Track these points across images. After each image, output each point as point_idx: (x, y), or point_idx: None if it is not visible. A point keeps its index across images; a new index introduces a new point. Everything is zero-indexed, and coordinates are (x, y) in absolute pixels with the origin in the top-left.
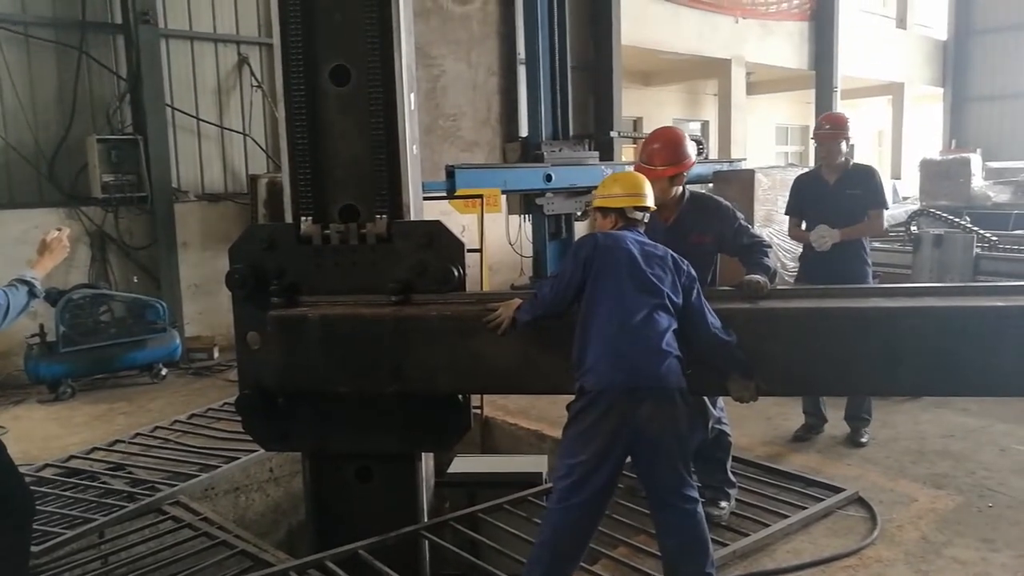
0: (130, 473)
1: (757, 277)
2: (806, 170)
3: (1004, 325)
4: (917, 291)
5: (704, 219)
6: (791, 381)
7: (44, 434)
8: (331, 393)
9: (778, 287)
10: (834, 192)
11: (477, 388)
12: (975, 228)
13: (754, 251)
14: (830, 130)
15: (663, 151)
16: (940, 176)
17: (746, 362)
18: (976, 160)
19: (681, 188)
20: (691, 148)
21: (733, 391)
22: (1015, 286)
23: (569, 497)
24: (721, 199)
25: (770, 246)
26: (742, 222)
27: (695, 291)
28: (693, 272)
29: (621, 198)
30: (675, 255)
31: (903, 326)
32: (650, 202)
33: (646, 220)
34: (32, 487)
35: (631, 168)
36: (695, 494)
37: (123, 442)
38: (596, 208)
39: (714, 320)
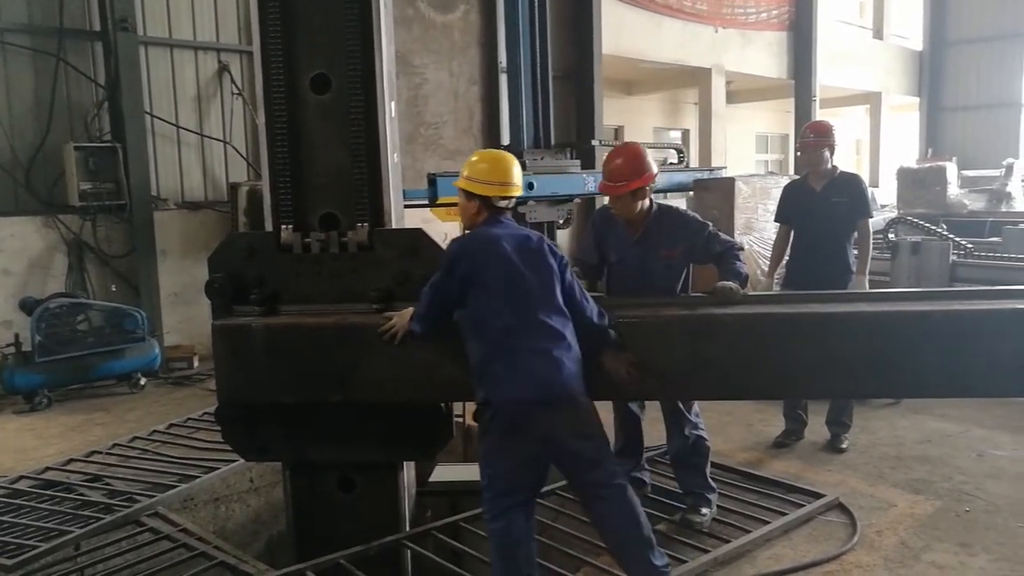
0: (107, 484)
1: (730, 284)
2: (795, 178)
3: (928, 328)
4: (853, 298)
5: (672, 234)
6: (731, 385)
7: (19, 445)
8: (275, 404)
9: (751, 292)
10: (820, 200)
11: (424, 397)
12: (951, 236)
13: (726, 258)
14: (813, 138)
15: (624, 167)
16: (917, 184)
17: (619, 341)
18: (952, 169)
19: (648, 202)
20: (653, 162)
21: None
22: (948, 291)
23: (496, 507)
24: (688, 212)
25: (742, 249)
26: (711, 231)
27: (568, 276)
28: (565, 257)
29: (488, 186)
30: (549, 242)
31: (834, 330)
32: (517, 190)
33: (511, 206)
34: (6, 500)
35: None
36: (621, 480)
37: (100, 453)
38: (461, 189)
39: (590, 304)
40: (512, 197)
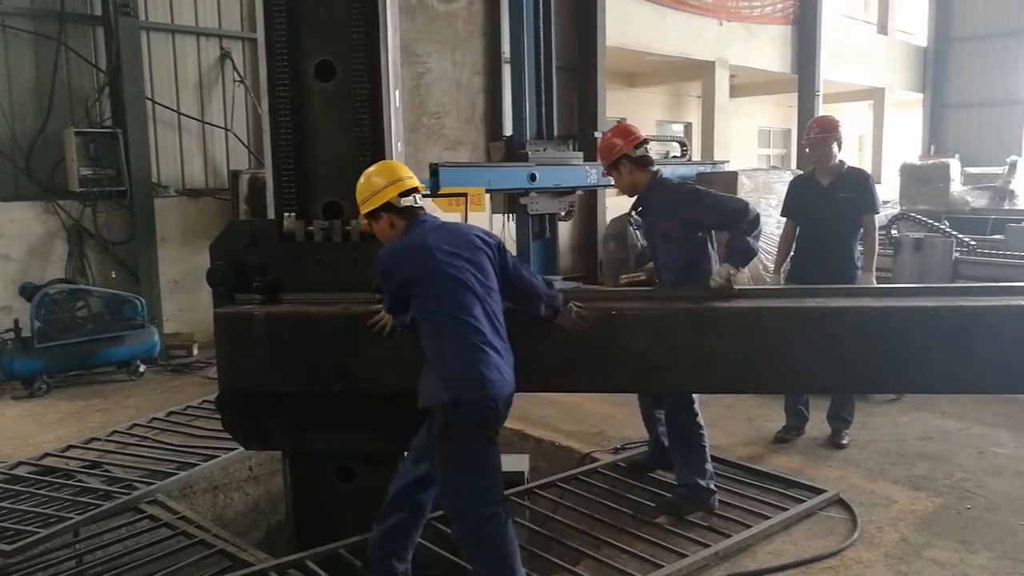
0: (106, 471)
1: (723, 278)
2: (801, 173)
3: (932, 324)
4: (857, 292)
5: (666, 205)
6: (732, 379)
7: (18, 431)
8: (276, 393)
9: (747, 286)
10: (827, 195)
11: None
12: (954, 233)
13: (732, 234)
14: (820, 134)
15: (600, 145)
16: (920, 181)
17: (563, 302)
18: (955, 165)
19: (646, 176)
20: (630, 134)
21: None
22: (952, 287)
23: (500, 513)
24: (685, 183)
25: (746, 212)
26: (710, 200)
27: (508, 258)
28: (501, 242)
29: (383, 192)
30: (479, 229)
31: (838, 325)
32: (413, 180)
33: (420, 203)
34: (5, 486)
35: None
36: None
37: (99, 440)
38: (367, 218)
39: (536, 279)
40: (414, 190)
